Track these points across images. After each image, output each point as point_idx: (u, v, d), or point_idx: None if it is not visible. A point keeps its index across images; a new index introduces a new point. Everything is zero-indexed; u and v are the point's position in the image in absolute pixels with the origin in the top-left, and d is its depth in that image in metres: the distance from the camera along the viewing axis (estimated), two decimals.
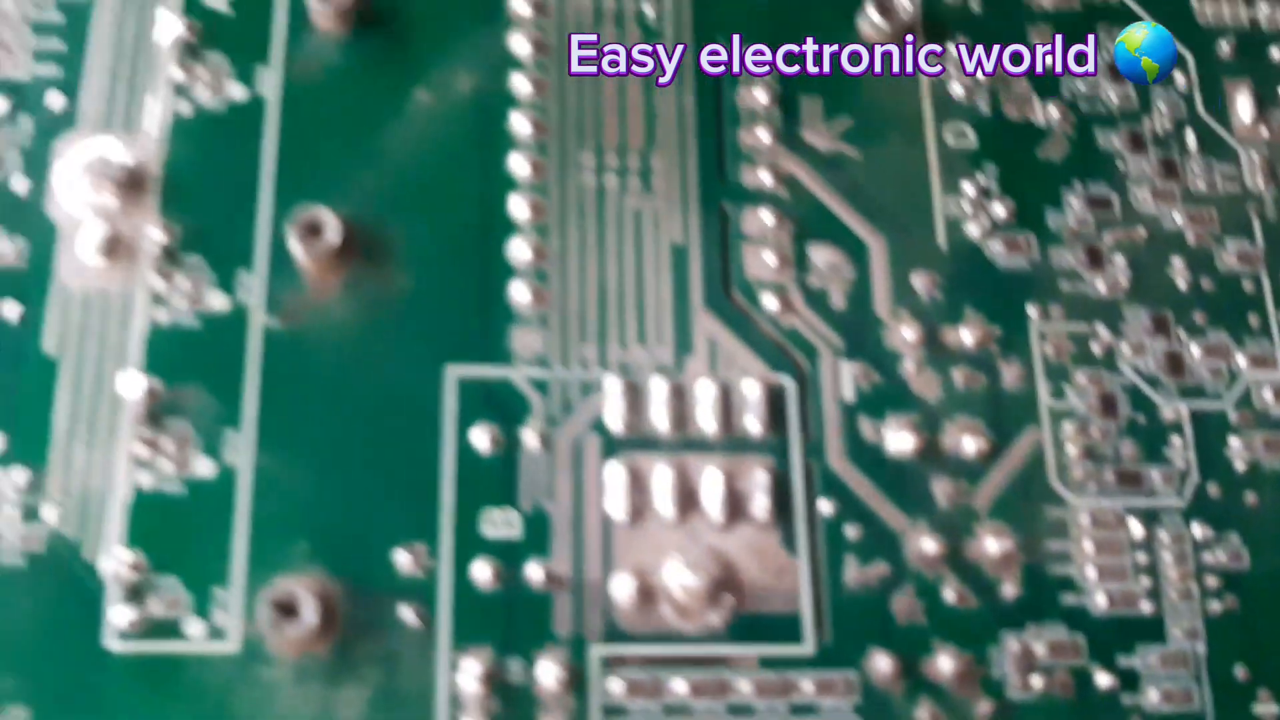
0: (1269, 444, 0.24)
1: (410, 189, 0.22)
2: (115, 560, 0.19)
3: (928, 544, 0.22)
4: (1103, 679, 0.22)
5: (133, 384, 0.20)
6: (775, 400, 0.22)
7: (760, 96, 0.24)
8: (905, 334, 0.23)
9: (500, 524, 0.20)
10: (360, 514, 0.20)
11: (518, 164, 0.23)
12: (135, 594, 0.19)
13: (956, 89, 0.25)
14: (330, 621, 0.19)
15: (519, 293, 0.22)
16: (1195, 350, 0.25)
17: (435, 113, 0.23)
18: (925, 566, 0.22)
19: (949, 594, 0.22)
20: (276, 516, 0.20)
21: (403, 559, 0.20)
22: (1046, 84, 0.25)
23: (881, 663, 0.21)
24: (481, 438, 0.21)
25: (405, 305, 0.22)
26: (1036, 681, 0.21)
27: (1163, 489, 0.23)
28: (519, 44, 0.24)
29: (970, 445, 0.23)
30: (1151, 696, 0.22)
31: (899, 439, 0.22)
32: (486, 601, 0.20)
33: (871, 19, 0.25)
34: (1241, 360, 0.25)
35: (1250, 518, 0.24)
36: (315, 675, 0.19)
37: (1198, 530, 0.23)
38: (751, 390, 0.22)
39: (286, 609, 0.19)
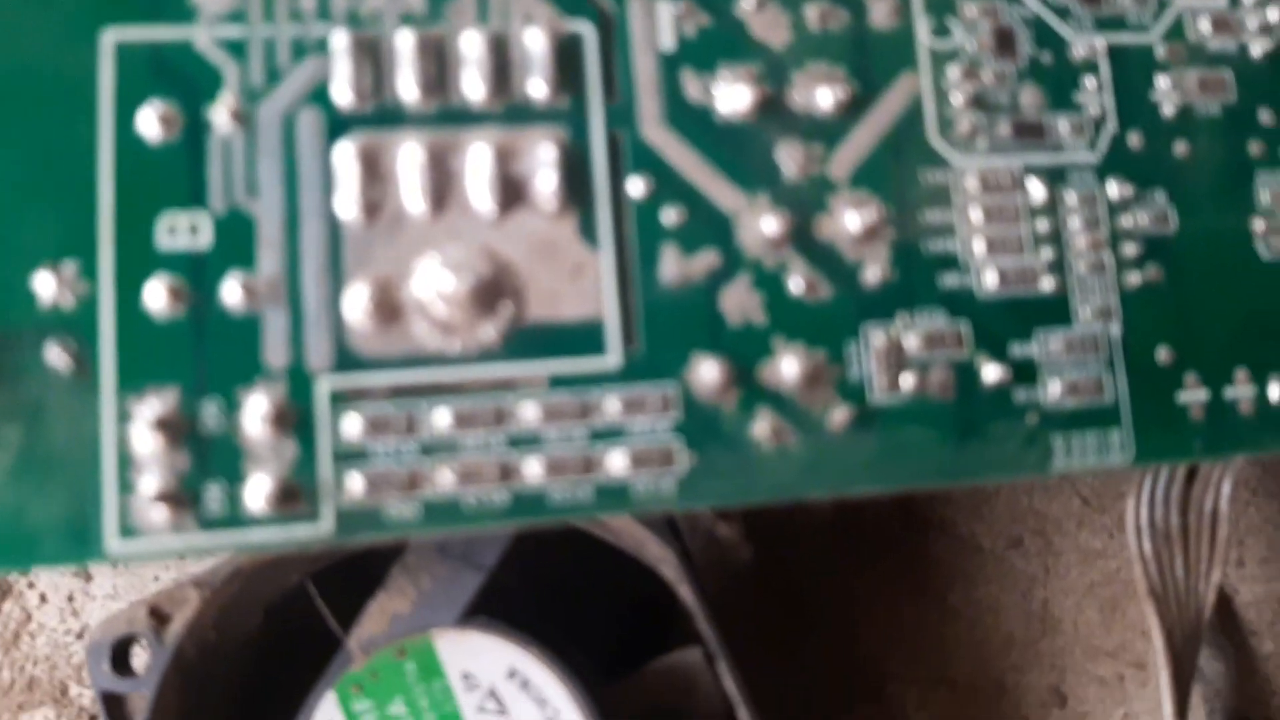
0: (1205, 83, 0.19)
1: None
2: None
3: (768, 224, 0.17)
4: (991, 372, 0.17)
5: None
6: (568, 54, 0.17)
7: None
8: None
9: (183, 231, 0.15)
10: None
11: None
12: None
13: None
14: None
15: None
16: None
17: None
18: (765, 252, 0.17)
19: (795, 283, 0.17)
20: None
21: (44, 283, 0.15)
22: None
23: (707, 370, 0.16)
24: (150, 121, 0.15)
25: None
26: (907, 381, 0.17)
27: (1071, 141, 0.19)
28: None
29: (826, 99, 0.18)
30: (1052, 390, 0.18)
31: (733, 95, 0.17)
32: (167, 331, 0.15)
33: None
34: None
35: (1180, 171, 0.19)
36: None
37: (1114, 189, 0.19)
38: (535, 41, 0.17)
39: None
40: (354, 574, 0.21)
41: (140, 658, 0.20)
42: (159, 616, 0.19)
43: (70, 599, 0.24)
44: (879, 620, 0.25)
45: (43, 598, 0.24)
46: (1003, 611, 0.26)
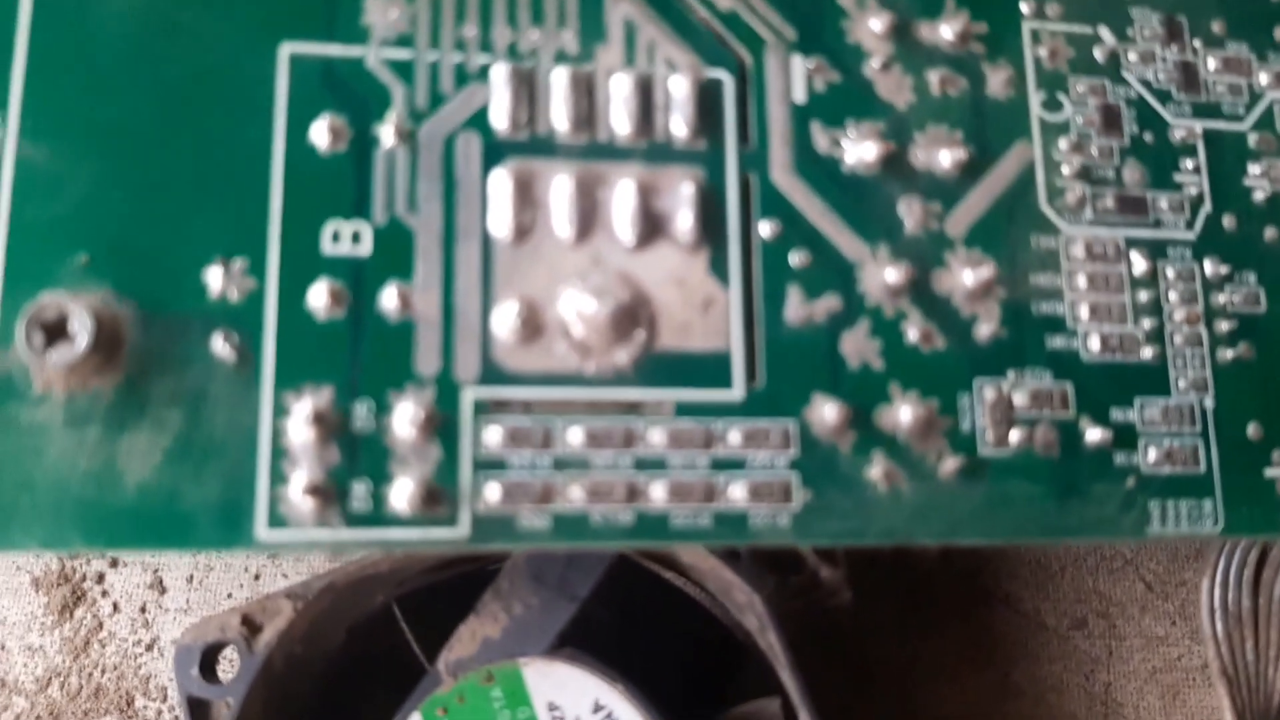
0: None
1: None
2: None
3: (889, 273, 0.18)
4: (1093, 434, 0.18)
5: None
6: (707, 99, 0.18)
7: None
8: (872, 25, 0.19)
9: (346, 238, 0.16)
10: (160, 222, 0.15)
11: None
12: None
13: None
14: (114, 349, 0.14)
15: None
16: (1211, 62, 0.20)
17: None
18: (885, 300, 0.18)
19: (912, 333, 0.18)
20: (47, 223, 0.15)
21: (214, 277, 0.15)
22: None
23: (827, 411, 0.17)
24: (322, 131, 0.16)
25: None
26: (1015, 436, 0.17)
27: (1171, 218, 0.19)
28: None
29: (946, 159, 0.18)
30: (1150, 456, 0.18)
31: (860, 149, 0.18)
32: (326, 332, 0.15)
33: None
34: (1263, 77, 0.20)
35: (1270, 255, 0.20)
36: (94, 418, 0.14)
37: (1210, 267, 0.19)
38: (678, 86, 0.17)
39: (54, 330, 0.14)
40: (435, 600, 0.21)
41: (226, 666, 0.20)
42: (251, 625, 0.20)
43: (143, 610, 0.24)
44: (940, 689, 0.25)
45: (115, 607, 0.24)
46: (1065, 692, 0.26)
